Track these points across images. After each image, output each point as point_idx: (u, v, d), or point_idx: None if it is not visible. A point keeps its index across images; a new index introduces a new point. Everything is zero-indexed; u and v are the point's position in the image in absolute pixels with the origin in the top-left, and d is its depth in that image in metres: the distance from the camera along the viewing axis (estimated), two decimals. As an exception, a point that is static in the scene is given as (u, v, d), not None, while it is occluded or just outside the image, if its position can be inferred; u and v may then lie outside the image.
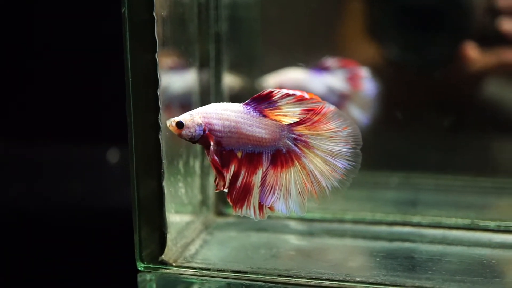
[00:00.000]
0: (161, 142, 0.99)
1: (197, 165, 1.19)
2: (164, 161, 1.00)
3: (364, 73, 1.29)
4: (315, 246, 1.16)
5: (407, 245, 1.13)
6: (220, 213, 1.27)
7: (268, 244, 1.15)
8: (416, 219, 1.20)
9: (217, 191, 0.93)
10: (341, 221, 1.23)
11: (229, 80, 1.29)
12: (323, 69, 1.29)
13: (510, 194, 1.27)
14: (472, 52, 1.24)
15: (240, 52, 1.31)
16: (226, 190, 0.92)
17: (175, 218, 1.06)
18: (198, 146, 1.18)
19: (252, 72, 1.33)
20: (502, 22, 1.22)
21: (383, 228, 1.20)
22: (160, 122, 0.98)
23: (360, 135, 0.91)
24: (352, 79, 1.30)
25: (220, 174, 0.91)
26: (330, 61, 1.29)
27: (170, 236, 1.03)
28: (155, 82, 0.98)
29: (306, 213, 0.92)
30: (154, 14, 0.96)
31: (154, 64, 0.97)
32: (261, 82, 1.30)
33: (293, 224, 1.22)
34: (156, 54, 0.97)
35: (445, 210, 1.22)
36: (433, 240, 1.14)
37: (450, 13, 1.24)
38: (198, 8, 1.16)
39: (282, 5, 1.36)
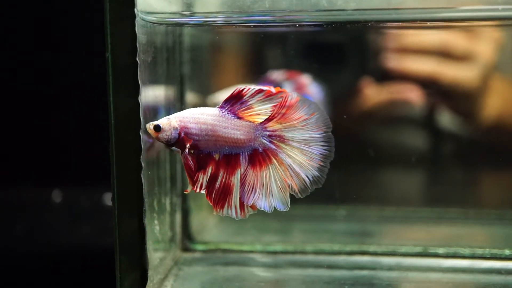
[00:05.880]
0: (143, 182, 1.03)
1: (167, 202, 1.22)
2: (146, 200, 1.04)
3: (307, 80, 1.35)
4: (281, 277, 1.22)
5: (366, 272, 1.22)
6: (185, 249, 1.31)
7: (238, 277, 1.20)
8: (372, 248, 1.29)
9: (185, 192, 0.96)
10: (303, 252, 1.30)
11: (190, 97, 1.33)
12: (270, 82, 1.34)
13: (450, 222, 1.38)
14: (368, 88, 1.33)
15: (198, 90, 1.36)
16: (203, 192, 0.93)
17: (152, 255, 1.09)
18: (167, 184, 1.22)
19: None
20: (388, 60, 1.33)
21: (342, 258, 1.28)
22: (142, 162, 1.02)
23: (328, 118, 0.94)
24: (299, 88, 1.35)
25: (190, 178, 0.93)
26: (275, 74, 1.34)
27: (149, 272, 1.06)
28: (137, 124, 1.02)
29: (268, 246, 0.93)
30: (137, 58, 1.01)
31: (137, 107, 1.02)
32: (213, 98, 1.34)
33: (258, 257, 1.28)
34: (139, 97, 1.01)
35: (397, 239, 1.32)
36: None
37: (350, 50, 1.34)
38: (166, 53, 1.21)
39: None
